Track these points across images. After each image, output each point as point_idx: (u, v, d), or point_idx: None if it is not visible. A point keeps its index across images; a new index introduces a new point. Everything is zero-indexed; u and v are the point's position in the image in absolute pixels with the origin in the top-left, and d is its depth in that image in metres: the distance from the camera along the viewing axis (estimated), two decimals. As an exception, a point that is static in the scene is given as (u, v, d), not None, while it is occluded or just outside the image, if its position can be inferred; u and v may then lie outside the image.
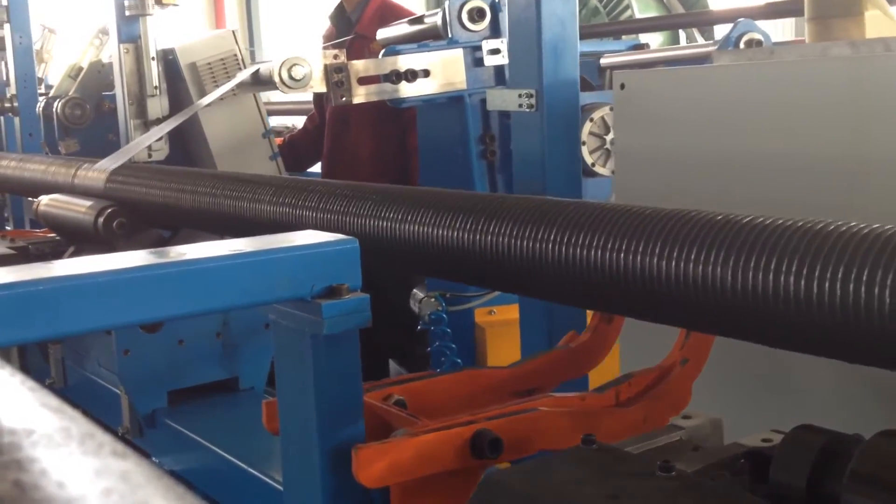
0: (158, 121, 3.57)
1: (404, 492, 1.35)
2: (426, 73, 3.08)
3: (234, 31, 3.78)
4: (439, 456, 1.34)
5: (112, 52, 3.80)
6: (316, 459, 1.36)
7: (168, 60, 3.70)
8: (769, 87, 1.83)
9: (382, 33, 3.53)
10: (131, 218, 2.82)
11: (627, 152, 2.10)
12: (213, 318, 2.56)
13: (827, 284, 1.07)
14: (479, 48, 3.15)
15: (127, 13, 3.59)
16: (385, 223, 1.81)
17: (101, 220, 2.81)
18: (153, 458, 2.58)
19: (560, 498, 1.03)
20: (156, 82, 3.58)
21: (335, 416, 1.36)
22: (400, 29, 3.50)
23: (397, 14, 3.75)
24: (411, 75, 3.05)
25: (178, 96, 3.70)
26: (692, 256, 1.23)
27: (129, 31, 3.62)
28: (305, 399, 1.37)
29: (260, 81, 3.19)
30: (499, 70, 3.18)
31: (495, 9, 3.17)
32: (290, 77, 2.95)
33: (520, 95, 2.46)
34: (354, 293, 1.34)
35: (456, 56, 3.11)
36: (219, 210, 2.36)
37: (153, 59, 3.59)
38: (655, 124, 2.03)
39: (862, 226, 1.10)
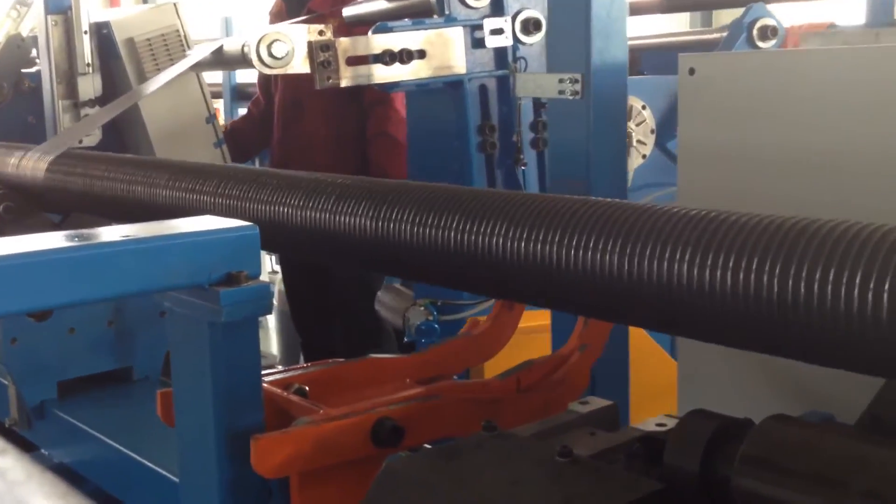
0: (91, 102, 3.27)
1: (304, 482, 1.34)
2: (421, 55, 2.75)
3: (175, 4, 3.42)
4: (340, 445, 1.33)
5: (35, 25, 3.43)
6: (213, 450, 1.33)
7: (102, 35, 3.35)
8: (874, 77, 1.55)
9: (352, 10, 3.20)
10: (19, 202, 2.71)
11: (694, 148, 1.82)
12: (104, 306, 2.48)
13: (719, 273, 1.10)
14: (478, 27, 2.83)
15: None
16: (286, 209, 1.77)
17: (-13, 204, 2.69)
18: (43, 451, 2.49)
19: (460, 484, 1.04)
20: (88, 59, 3.24)
21: (233, 406, 1.34)
22: (375, 4, 3.16)
23: None
24: (406, 56, 2.71)
25: (112, 75, 3.37)
26: (590, 244, 1.25)
27: (59, 0, 3.24)
28: (202, 388, 1.34)
29: (224, 60, 2.87)
30: (500, 53, 2.87)
31: None
32: (270, 55, 2.62)
33: (561, 81, 2.17)
34: (254, 280, 1.32)
35: (455, 36, 2.78)
36: (120, 195, 2.25)
37: (86, 32, 3.23)
38: (730, 116, 1.76)
39: (759, 217, 1.14)
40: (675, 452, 1.05)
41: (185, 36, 3.40)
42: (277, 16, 3.60)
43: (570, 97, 2.17)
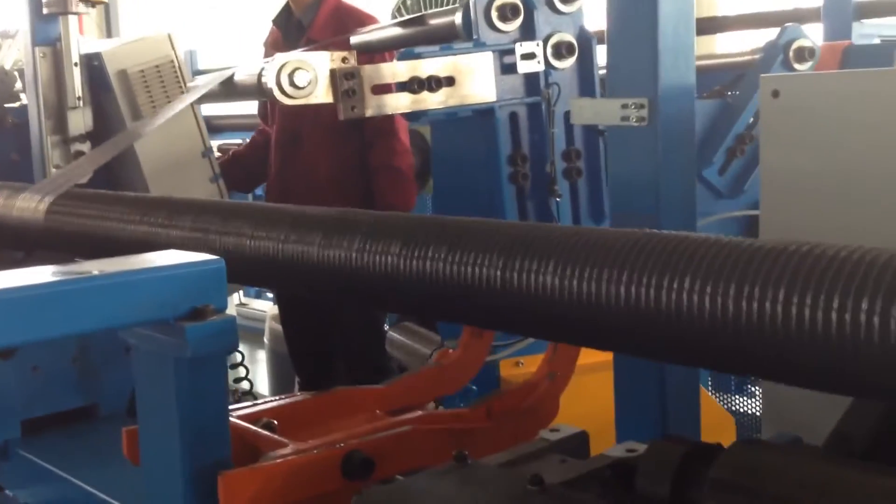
0: (82, 138, 3.10)
1: (273, 518, 1.32)
2: (450, 82, 2.58)
3: (169, 35, 3.25)
4: (310, 479, 1.32)
5: (21, 57, 3.28)
6: (180, 487, 1.31)
7: (93, 67, 3.19)
8: None
9: (362, 37, 3.03)
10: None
11: (779, 176, 1.70)
12: (69, 343, 2.44)
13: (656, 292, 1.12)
14: (508, 52, 2.68)
15: (45, 11, 3.06)
16: (248, 240, 1.75)
17: (-54, 240, 2.64)
18: (7, 492, 2.44)
19: (432, 516, 1.03)
20: (79, 92, 3.08)
21: (200, 442, 1.32)
22: (388, 31, 2.98)
23: (356, 17, 3.29)
24: (435, 83, 2.55)
25: (104, 109, 3.21)
26: (549, 269, 1.24)
27: (47, 31, 3.09)
28: (168, 425, 1.32)
29: (236, 91, 2.68)
30: (530, 79, 2.71)
31: (529, 6, 2.72)
32: (292, 84, 2.45)
33: (624, 106, 1.98)
34: (220, 314, 1.30)
35: (484, 62, 2.62)
36: (122, 235, 2.08)
37: (76, 65, 3.08)
38: (819, 140, 1.64)
39: (692, 237, 1.15)
40: (646, 478, 1.05)
41: (179, 67, 3.25)
42: (274, 46, 3.41)
43: (636, 124, 1.97)
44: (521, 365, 2.65)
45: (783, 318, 1.01)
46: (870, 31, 4.14)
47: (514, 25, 2.70)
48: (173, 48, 3.23)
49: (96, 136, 3.23)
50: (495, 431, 1.53)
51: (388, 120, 3.12)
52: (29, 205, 2.51)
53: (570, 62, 2.75)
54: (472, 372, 1.80)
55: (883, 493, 0.88)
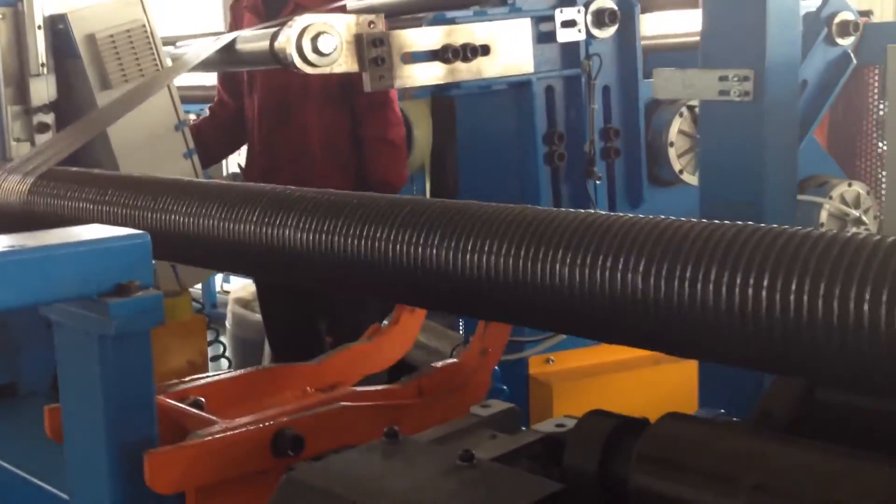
0: (45, 108, 2.83)
1: (201, 497, 1.30)
2: (485, 51, 2.31)
3: None
4: (238, 457, 1.30)
5: None
6: (104, 467, 1.29)
7: (57, 31, 2.90)
8: None
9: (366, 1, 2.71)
10: None
11: None
12: (-13, 319, 2.37)
13: (587, 271, 1.11)
14: (545, 19, 2.42)
15: None
16: (176, 217, 1.70)
17: None
18: (-79, 474, 2.36)
19: (363, 492, 1.03)
20: (42, 58, 2.83)
21: (125, 421, 1.29)
22: None
23: None
24: (471, 52, 2.28)
25: (69, 77, 2.94)
26: (479, 247, 1.24)
27: None
28: (92, 403, 1.29)
29: (240, 59, 2.40)
30: (568, 49, 2.45)
31: None
32: (315, 51, 2.15)
33: (723, 79, 1.77)
34: (146, 290, 1.27)
35: (522, 28, 2.35)
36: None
37: (39, 28, 2.82)
38: None
39: (632, 218, 1.15)
40: (575, 453, 1.06)
41: (152, 32, 2.98)
42: (252, 10, 3.11)
43: (737, 99, 1.76)
44: (552, 362, 2.47)
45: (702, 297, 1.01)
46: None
47: None
48: (145, 12, 2.98)
49: (61, 106, 3.02)
50: (426, 408, 1.53)
51: (382, 90, 2.96)
52: (10, 186, 2.30)
53: (611, 31, 2.50)
54: (404, 348, 1.80)
55: (801, 465, 0.90)
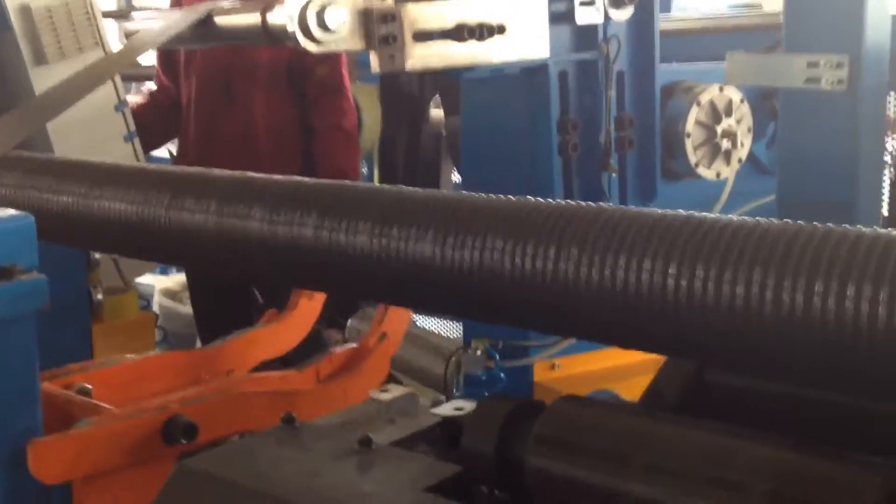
0: None
1: (88, 487, 1.26)
2: (501, 30, 2.13)
3: None
4: (128, 446, 1.27)
5: None
6: (-15, 457, 1.23)
7: None
8: None
9: None
10: None
11: None
12: None
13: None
14: None
15: None
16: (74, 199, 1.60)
17: None
18: None
19: (261, 480, 1.01)
20: None
21: (7, 409, 1.24)
22: None
23: None
24: (487, 32, 2.10)
25: (0, 52, 2.69)
26: (378, 230, 1.22)
27: None
28: (-29, 392, 1.23)
29: (218, 35, 2.20)
30: (583, 32, 2.28)
31: None
32: (321, 26, 1.94)
33: (812, 65, 1.61)
34: (30, 274, 1.22)
35: (539, 6, 2.17)
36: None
37: None
38: None
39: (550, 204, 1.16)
40: (472, 436, 1.06)
41: (92, 5, 2.77)
42: None
43: (828, 88, 1.60)
44: (557, 367, 2.32)
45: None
46: None
47: None
48: None
49: None
50: (324, 393, 1.52)
51: (336, 74, 2.83)
52: None
53: (629, 12, 2.31)
54: (301, 333, 1.78)
55: (690, 443, 0.93)
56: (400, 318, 1.69)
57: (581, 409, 1.03)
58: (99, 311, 2.60)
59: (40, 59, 2.74)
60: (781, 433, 0.92)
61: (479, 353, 2.09)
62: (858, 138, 1.62)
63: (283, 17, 2.00)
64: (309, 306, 1.78)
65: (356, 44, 2.00)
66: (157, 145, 3.33)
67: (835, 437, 0.92)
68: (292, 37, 1.96)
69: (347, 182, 1.32)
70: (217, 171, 1.49)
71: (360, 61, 2.90)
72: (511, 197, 1.20)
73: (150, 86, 3.36)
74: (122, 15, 3.33)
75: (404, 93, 3.14)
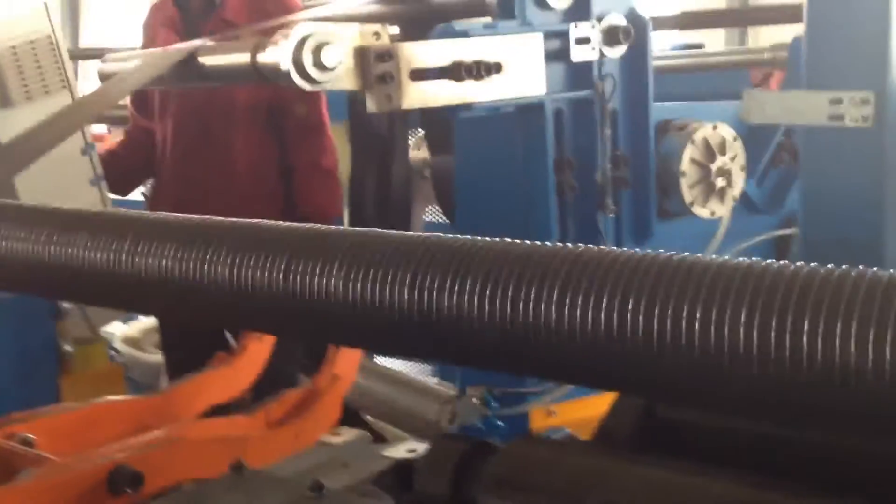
0: None
1: (31, 541, 1.22)
2: (498, 69, 2.10)
3: (45, 5, 2.69)
4: (72, 497, 1.23)
5: None
6: (-81, 515, 1.19)
7: None
8: None
9: (325, 9, 2.45)
10: None
11: None
12: None
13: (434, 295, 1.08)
14: (556, 35, 2.20)
15: None
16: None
17: None
18: None
19: (207, 530, 0.99)
20: None
21: (-56, 463, 1.20)
22: (368, 6, 2.43)
23: (279, 2, 2.73)
24: (484, 70, 2.06)
25: None
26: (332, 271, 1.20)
27: None
28: None
29: (205, 75, 2.12)
30: (578, 69, 2.25)
31: None
32: (317, 65, 1.87)
33: (835, 102, 1.57)
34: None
35: (536, 45, 2.15)
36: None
37: None
38: None
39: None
40: (426, 478, 1.05)
41: (57, 43, 2.71)
42: (170, 25, 2.84)
43: (852, 125, 1.56)
44: (554, 414, 2.26)
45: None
46: None
47: (566, 3, 2.24)
48: (50, 21, 2.71)
49: None
50: (274, 438, 1.49)
51: (316, 113, 2.80)
52: None
53: (622, 50, 2.31)
54: (251, 376, 1.75)
55: (641, 480, 0.93)
56: (351, 359, 1.68)
57: (534, 449, 1.03)
58: (67, 363, 2.52)
59: (5, 100, 2.67)
60: (736, 469, 0.92)
61: (475, 401, 2.06)
62: (885, 174, 1.60)
63: (274, 55, 1.94)
64: (259, 348, 1.76)
65: (352, 83, 1.96)
66: (137, 185, 3.26)
67: (791, 474, 0.93)
68: (285, 75, 1.91)
69: (315, 225, 1.30)
70: (175, 216, 1.46)
71: (328, 100, 2.87)
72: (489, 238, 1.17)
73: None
74: (95, 55, 3.25)
75: (373, 133, 3.16)
